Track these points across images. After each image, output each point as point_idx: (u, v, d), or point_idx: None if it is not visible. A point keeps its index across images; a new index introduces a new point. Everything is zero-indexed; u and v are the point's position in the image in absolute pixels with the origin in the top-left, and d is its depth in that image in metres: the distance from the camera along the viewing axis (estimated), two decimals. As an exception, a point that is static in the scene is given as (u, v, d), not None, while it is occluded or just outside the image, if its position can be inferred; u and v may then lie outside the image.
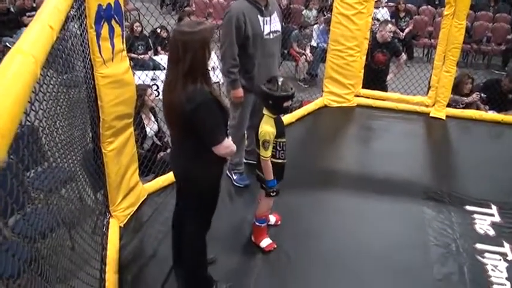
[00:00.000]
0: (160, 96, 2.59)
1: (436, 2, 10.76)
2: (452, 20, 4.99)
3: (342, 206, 3.75)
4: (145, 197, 3.71)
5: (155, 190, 3.83)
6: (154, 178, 4.01)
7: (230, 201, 3.79)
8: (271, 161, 2.97)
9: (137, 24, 8.03)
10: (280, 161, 3.03)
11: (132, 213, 3.51)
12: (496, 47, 9.92)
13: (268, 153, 2.93)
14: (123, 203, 3.42)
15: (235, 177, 3.94)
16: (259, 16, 3.53)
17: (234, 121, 3.77)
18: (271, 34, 3.61)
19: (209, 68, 2.43)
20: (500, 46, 9.92)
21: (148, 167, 4.17)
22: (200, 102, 2.34)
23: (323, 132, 5.08)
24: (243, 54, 3.54)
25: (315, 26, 8.96)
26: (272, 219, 3.44)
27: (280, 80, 2.87)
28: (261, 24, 3.54)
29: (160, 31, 7.82)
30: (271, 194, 3.04)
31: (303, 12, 10.08)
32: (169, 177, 3.83)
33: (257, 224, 3.23)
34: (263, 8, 3.54)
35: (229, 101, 3.81)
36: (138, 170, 3.60)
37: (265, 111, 2.96)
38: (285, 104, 2.89)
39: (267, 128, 2.91)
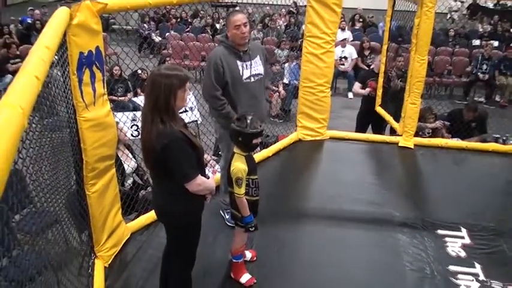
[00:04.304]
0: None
1: (399, 39, 11.11)
2: (415, 55, 5.17)
3: (320, 237, 3.75)
4: (128, 236, 3.67)
5: (138, 229, 3.79)
6: (137, 217, 3.97)
7: (224, 238, 3.60)
8: (246, 199, 2.96)
9: (116, 68, 8.07)
10: (253, 198, 3.01)
11: (116, 253, 3.46)
12: (457, 79, 10.34)
13: (242, 190, 2.91)
14: (107, 243, 3.38)
15: (227, 217, 3.87)
16: (237, 61, 3.56)
17: (223, 162, 3.78)
18: (251, 78, 3.62)
19: (184, 109, 2.48)
20: (460, 78, 10.35)
21: (130, 206, 4.13)
22: (168, 141, 2.39)
23: (298, 165, 5.12)
24: (226, 97, 3.56)
25: (286, 65, 9.15)
26: (248, 255, 3.40)
27: (249, 117, 2.89)
28: (240, 69, 3.56)
29: (141, 72, 7.88)
30: (250, 229, 3.01)
31: (275, 51, 10.30)
32: (151, 216, 3.80)
33: (234, 260, 3.22)
34: (241, 53, 3.58)
35: (219, 142, 3.86)
36: (120, 210, 3.57)
37: (235, 150, 2.97)
38: (254, 141, 2.90)
39: (238, 165, 2.90)
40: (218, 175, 4.12)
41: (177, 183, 2.50)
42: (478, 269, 3.44)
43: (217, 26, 12.21)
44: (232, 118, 3.34)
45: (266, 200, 3.69)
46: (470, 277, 3.35)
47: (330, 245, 3.64)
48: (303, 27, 6.20)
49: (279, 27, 12.86)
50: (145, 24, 13.18)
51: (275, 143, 5.52)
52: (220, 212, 3.94)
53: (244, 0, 10.56)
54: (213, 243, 3.61)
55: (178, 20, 14.09)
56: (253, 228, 3.01)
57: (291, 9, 13.70)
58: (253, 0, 10.55)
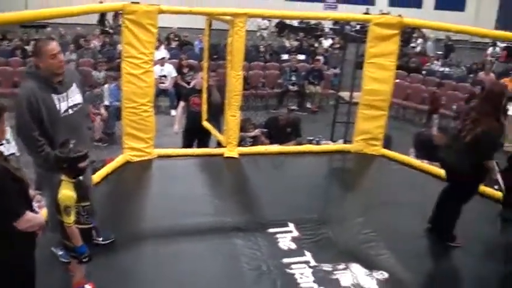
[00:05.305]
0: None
1: (215, 57, 11.72)
2: (231, 72, 5.53)
3: (158, 256, 3.76)
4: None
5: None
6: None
7: (61, 276, 3.37)
8: (77, 228, 2.89)
9: None
10: (85, 226, 2.97)
11: None
12: (270, 91, 11.45)
13: (72, 218, 2.83)
14: None
15: (60, 253, 3.56)
16: (53, 95, 3.32)
17: (48, 201, 3.54)
18: (69, 110, 3.42)
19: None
20: (273, 89, 11.48)
21: None
22: None
23: (129, 187, 5.08)
24: (44, 136, 3.28)
25: (106, 86, 8.98)
26: None
27: (72, 142, 2.88)
28: (56, 102, 3.33)
29: None
30: (83, 260, 2.93)
31: (93, 73, 10.03)
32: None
33: None
34: (57, 86, 3.34)
35: (39, 183, 3.62)
36: None
37: (63, 177, 2.89)
38: (81, 165, 2.88)
39: (66, 192, 2.83)
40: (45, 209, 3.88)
41: (2, 224, 2.33)
42: (308, 256, 3.82)
43: (28, 48, 11.40)
44: (51, 159, 3.12)
45: (100, 228, 3.64)
46: (303, 265, 3.72)
47: (170, 262, 3.69)
48: (119, 46, 6.19)
49: (93, 47, 12.55)
50: None
51: (102, 167, 5.39)
52: (52, 249, 3.68)
53: (55, 21, 10.16)
54: (50, 283, 3.34)
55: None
56: (87, 259, 2.94)
57: (106, 28, 13.49)
58: (63, 20, 10.18)
